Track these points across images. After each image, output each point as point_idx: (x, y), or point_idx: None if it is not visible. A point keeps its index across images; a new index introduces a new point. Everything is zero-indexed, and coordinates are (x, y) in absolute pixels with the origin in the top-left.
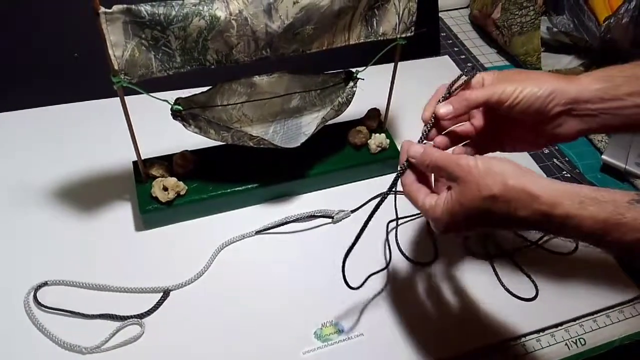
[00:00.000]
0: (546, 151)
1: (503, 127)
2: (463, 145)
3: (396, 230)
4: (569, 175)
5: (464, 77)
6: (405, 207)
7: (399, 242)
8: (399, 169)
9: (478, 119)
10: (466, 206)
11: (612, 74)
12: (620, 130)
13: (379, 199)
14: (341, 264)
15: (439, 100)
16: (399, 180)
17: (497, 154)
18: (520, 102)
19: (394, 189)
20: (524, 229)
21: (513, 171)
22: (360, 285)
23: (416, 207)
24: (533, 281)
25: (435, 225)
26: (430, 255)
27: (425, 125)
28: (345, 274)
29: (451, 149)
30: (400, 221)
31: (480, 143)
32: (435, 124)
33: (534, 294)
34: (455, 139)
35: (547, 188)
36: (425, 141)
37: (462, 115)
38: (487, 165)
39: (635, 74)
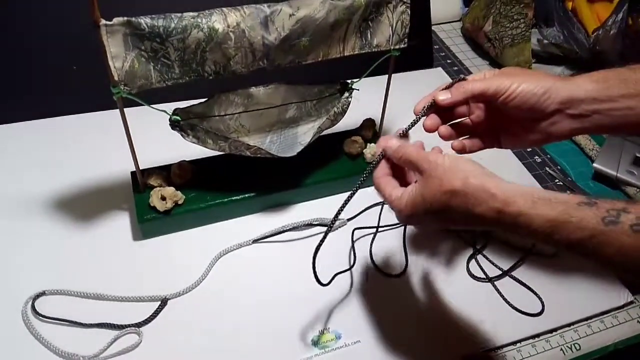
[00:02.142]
0: (538, 160)
1: (500, 124)
2: (462, 140)
3: (404, 236)
4: (561, 184)
5: (462, 75)
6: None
7: (407, 248)
8: (373, 161)
9: (477, 115)
10: (427, 199)
11: (607, 76)
12: (612, 131)
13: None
14: (312, 265)
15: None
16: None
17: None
18: (516, 97)
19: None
20: (479, 225)
21: (475, 170)
22: (329, 282)
23: (383, 198)
24: (538, 296)
25: (398, 215)
26: (430, 265)
27: (416, 116)
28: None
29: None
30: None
31: (478, 138)
32: (436, 112)
33: (537, 306)
34: (455, 133)
35: (504, 188)
36: (406, 132)
37: (460, 104)
38: (453, 163)
39: (629, 77)
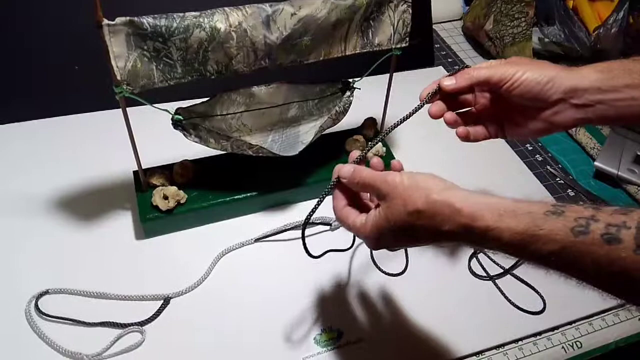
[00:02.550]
0: (539, 158)
1: (504, 112)
2: (466, 128)
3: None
4: (562, 182)
5: (466, 64)
6: None
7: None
8: (327, 189)
9: (481, 103)
10: (392, 221)
11: (612, 67)
12: (616, 121)
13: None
14: (301, 238)
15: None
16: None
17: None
18: (520, 85)
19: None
20: (449, 242)
21: (437, 186)
22: (320, 256)
23: (347, 228)
24: (539, 294)
25: (366, 242)
26: (432, 264)
27: (420, 102)
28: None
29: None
30: None
31: (483, 126)
32: (442, 100)
33: (539, 305)
34: (460, 120)
35: (469, 201)
36: (364, 156)
37: (465, 90)
38: (412, 181)
39: (633, 68)
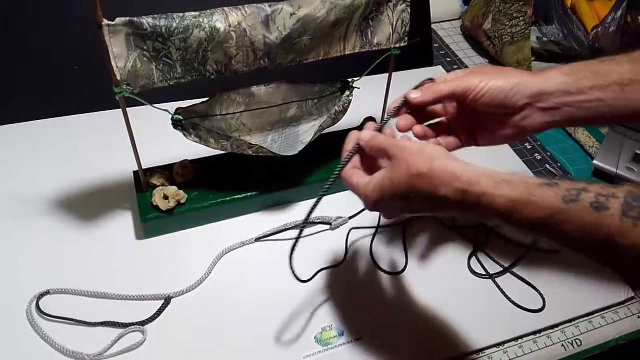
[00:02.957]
0: (538, 157)
1: (474, 121)
2: (438, 139)
3: (403, 234)
4: None
5: (430, 77)
6: None
7: (408, 246)
8: (344, 156)
9: (450, 113)
10: (394, 181)
11: (577, 69)
12: (585, 122)
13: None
14: (289, 262)
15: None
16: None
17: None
18: (485, 94)
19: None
20: (444, 208)
21: (441, 154)
22: (310, 279)
23: (351, 187)
24: (539, 292)
25: (365, 202)
26: (431, 263)
27: (387, 115)
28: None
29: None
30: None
31: (454, 136)
32: (412, 113)
33: (538, 302)
34: (430, 132)
35: (469, 170)
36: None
37: (431, 103)
38: (419, 147)
39: (599, 69)
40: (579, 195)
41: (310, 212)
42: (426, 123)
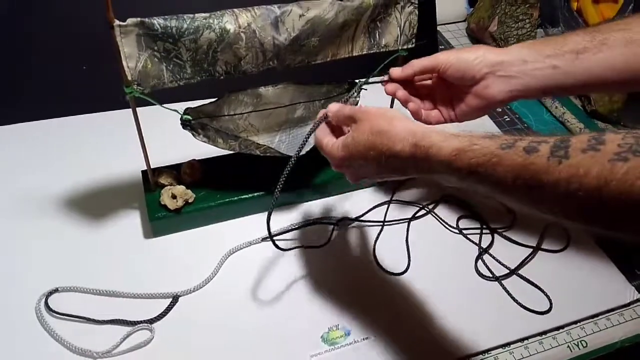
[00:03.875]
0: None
1: (451, 95)
2: (419, 105)
3: (407, 235)
4: None
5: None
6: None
7: (414, 248)
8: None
9: (429, 85)
10: (356, 139)
11: (538, 42)
12: (543, 92)
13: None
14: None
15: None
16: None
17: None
18: (451, 66)
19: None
20: (399, 165)
21: (401, 116)
22: (289, 249)
23: (320, 148)
24: (546, 294)
25: (331, 160)
26: (438, 264)
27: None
28: None
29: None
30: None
31: (438, 111)
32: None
33: (545, 304)
34: (410, 98)
35: (424, 127)
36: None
37: (410, 78)
38: (382, 110)
39: (557, 40)
40: (514, 143)
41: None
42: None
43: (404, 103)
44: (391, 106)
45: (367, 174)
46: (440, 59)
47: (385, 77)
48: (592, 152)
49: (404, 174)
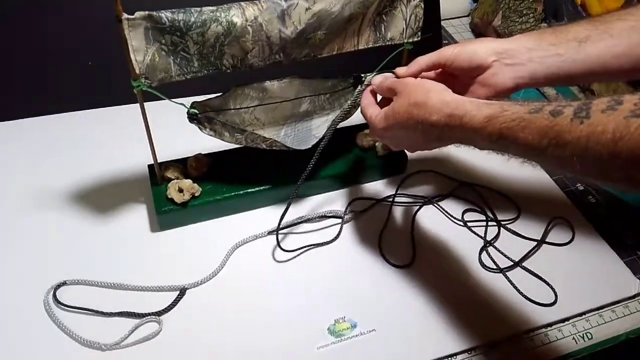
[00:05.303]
0: None
1: (455, 89)
2: None
3: (412, 228)
4: (571, 175)
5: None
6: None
7: (420, 241)
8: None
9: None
10: (396, 110)
11: (543, 31)
12: (549, 81)
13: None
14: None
15: None
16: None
17: None
18: (457, 58)
19: None
20: (435, 135)
21: (438, 87)
22: (293, 250)
23: (365, 117)
24: (551, 286)
25: (372, 130)
26: (443, 257)
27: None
28: None
29: None
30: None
31: None
32: None
33: (550, 296)
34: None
35: (458, 98)
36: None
37: (416, 75)
38: (419, 81)
39: (562, 29)
40: (542, 107)
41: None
42: None
43: None
44: None
45: (407, 143)
46: (446, 52)
47: (390, 75)
48: (610, 112)
49: (441, 142)
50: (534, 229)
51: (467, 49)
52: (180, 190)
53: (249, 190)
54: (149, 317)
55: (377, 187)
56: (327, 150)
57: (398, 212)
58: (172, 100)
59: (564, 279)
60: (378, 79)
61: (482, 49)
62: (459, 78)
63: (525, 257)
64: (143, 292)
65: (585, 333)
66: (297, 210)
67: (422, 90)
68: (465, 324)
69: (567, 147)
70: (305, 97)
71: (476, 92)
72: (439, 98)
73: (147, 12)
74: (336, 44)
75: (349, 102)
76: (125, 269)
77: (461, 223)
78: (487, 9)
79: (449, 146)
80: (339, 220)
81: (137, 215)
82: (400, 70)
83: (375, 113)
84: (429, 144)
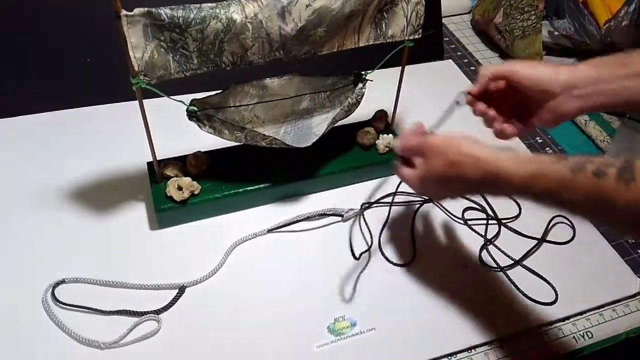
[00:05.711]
0: (549, 151)
1: (523, 106)
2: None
3: (412, 227)
4: None
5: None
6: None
7: (421, 239)
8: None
9: (502, 95)
10: (431, 173)
11: (606, 61)
12: (614, 108)
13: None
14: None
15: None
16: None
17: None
18: (528, 80)
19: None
20: (473, 188)
21: (466, 142)
22: (359, 256)
23: (401, 179)
24: (551, 285)
25: (412, 189)
26: (443, 255)
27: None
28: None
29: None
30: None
31: (512, 125)
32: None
33: (551, 295)
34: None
35: (489, 151)
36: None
37: (487, 86)
38: (448, 140)
39: (624, 61)
40: (584, 166)
41: None
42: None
43: (485, 117)
44: (397, 97)
45: (446, 196)
46: (516, 67)
47: (463, 96)
48: None
49: (480, 193)
50: (534, 228)
51: (538, 74)
52: (180, 188)
53: (249, 188)
54: (148, 315)
55: (378, 185)
56: (328, 148)
57: (398, 210)
58: (172, 97)
59: (565, 277)
60: (398, 143)
61: (552, 79)
62: (525, 96)
63: (526, 256)
64: (142, 291)
65: (586, 332)
66: (297, 208)
67: (452, 149)
68: (465, 322)
69: (615, 210)
70: (306, 95)
71: (543, 116)
72: (470, 154)
73: (146, 9)
74: (336, 41)
75: (349, 99)
76: (124, 267)
77: (461, 221)
78: (488, 6)
79: None
80: (339, 219)
81: (136, 213)
82: (474, 89)
83: (408, 173)
84: (468, 194)
